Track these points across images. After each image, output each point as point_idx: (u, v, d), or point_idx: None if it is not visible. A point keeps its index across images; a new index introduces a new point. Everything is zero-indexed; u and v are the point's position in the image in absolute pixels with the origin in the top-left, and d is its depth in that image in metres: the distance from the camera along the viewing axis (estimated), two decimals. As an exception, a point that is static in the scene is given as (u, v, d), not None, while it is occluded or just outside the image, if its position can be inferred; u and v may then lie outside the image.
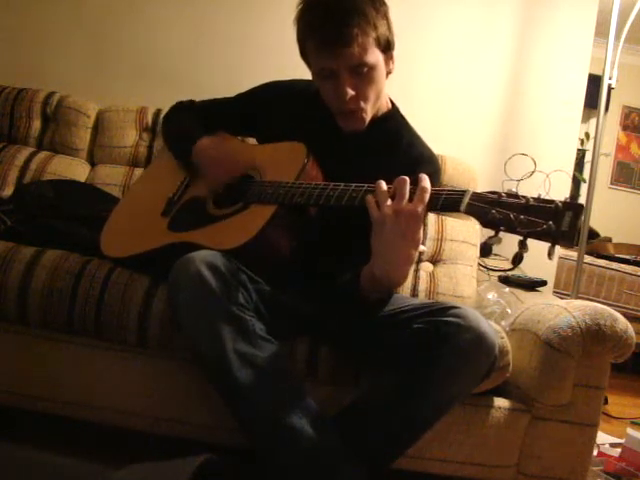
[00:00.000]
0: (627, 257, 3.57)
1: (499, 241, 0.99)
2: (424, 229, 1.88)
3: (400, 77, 1.44)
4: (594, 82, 2.39)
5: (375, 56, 1.27)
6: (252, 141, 1.63)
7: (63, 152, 2.07)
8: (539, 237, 0.95)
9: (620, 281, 3.37)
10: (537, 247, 1.00)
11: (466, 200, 1.02)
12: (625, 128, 5.38)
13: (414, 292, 1.81)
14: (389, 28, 1.30)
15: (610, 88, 2.40)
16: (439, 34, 2.28)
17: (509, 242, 1.02)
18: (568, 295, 2.59)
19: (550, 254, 0.96)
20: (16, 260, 1.37)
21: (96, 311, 1.34)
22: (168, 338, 1.33)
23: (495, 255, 2.11)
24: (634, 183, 5.38)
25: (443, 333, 1.12)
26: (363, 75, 1.27)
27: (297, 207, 1.26)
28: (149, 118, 2.09)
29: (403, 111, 1.47)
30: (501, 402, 1.38)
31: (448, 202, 1.05)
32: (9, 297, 1.35)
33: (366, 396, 1.23)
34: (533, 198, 0.97)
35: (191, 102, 1.62)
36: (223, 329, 1.12)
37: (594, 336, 1.31)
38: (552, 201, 0.95)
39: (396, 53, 1.36)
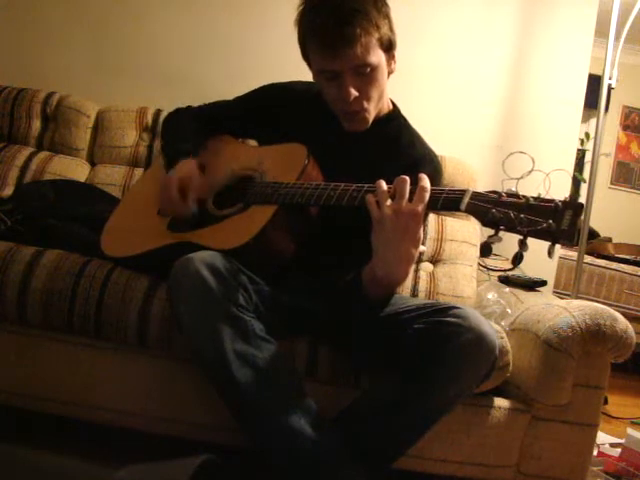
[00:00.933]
0: (627, 257, 3.57)
1: (499, 240, 0.99)
2: (424, 229, 1.88)
3: (400, 77, 1.44)
4: (594, 82, 2.39)
5: (378, 56, 1.27)
6: (253, 143, 1.63)
7: (63, 152, 2.07)
8: (539, 236, 0.95)
9: (620, 281, 3.37)
10: (537, 247, 1.00)
11: (466, 199, 1.02)
12: (625, 128, 5.38)
13: (414, 292, 1.81)
14: (391, 28, 1.30)
15: (610, 88, 2.40)
16: (439, 34, 2.28)
17: (509, 242, 1.03)
18: (568, 295, 2.59)
19: (550, 253, 0.96)
20: (16, 260, 1.37)
21: (96, 311, 1.34)
22: (168, 338, 1.34)
23: (495, 255, 2.11)
24: (634, 183, 5.38)
25: (443, 333, 1.12)
26: (366, 75, 1.27)
27: (297, 207, 1.26)
28: (149, 118, 2.09)
29: (403, 111, 1.47)
30: (501, 402, 1.38)
31: (448, 201, 1.05)
32: (9, 297, 1.35)
33: (366, 396, 1.23)
34: (533, 197, 0.97)
35: (188, 108, 1.62)
36: (222, 329, 1.12)
37: (594, 336, 1.31)
38: (552, 200, 0.96)
39: (396, 53, 1.36)
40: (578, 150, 3.09)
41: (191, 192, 1.35)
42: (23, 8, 2.25)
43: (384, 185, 1.11)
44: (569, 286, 2.67)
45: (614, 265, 3.45)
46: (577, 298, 2.39)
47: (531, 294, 1.74)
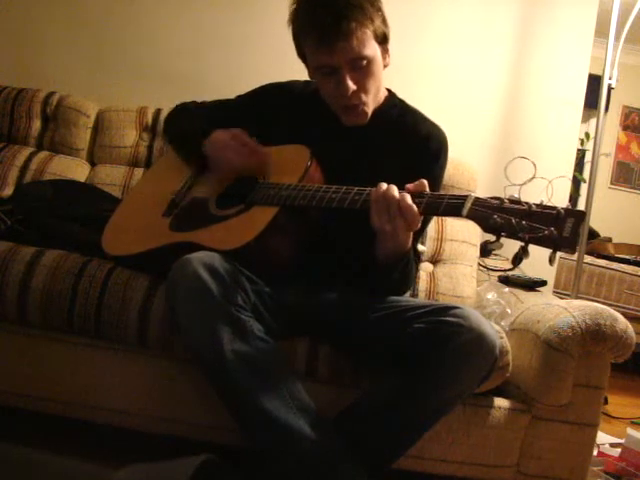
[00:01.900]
0: (627, 257, 3.57)
1: (500, 246, 1.00)
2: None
3: (400, 77, 1.44)
4: (594, 82, 2.39)
5: (373, 49, 1.28)
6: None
7: (63, 152, 2.07)
8: (541, 243, 0.95)
9: (620, 281, 3.37)
10: (537, 247, 1.00)
11: (468, 205, 1.02)
12: (625, 128, 5.37)
13: (414, 292, 1.81)
14: (384, 21, 1.31)
15: (610, 88, 2.40)
16: (439, 34, 2.28)
17: (509, 243, 1.03)
18: (568, 295, 2.59)
19: (551, 260, 0.96)
20: (16, 260, 1.37)
21: (96, 311, 1.34)
22: (168, 338, 1.33)
23: (495, 255, 2.11)
24: (634, 183, 5.38)
25: (444, 333, 1.12)
26: (363, 69, 1.28)
27: (299, 209, 1.26)
28: (149, 118, 2.09)
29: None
30: (501, 402, 1.38)
31: (450, 207, 1.06)
32: (9, 297, 1.35)
33: (366, 396, 1.23)
34: (535, 204, 0.98)
35: (193, 103, 1.62)
36: (221, 330, 1.12)
37: (594, 336, 1.31)
38: (554, 207, 0.96)
39: (395, 54, 1.37)
40: (578, 150, 3.09)
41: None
42: (23, 8, 2.25)
43: (383, 187, 1.12)
44: (569, 286, 2.66)
45: (614, 265, 3.45)
46: (577, 298, 2.39)
47: (531, 294, 1.74)
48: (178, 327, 1.19)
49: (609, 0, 2.29)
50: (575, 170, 3.45)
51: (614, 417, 2.38)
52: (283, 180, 1.29)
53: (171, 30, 2.26)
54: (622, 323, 1.32)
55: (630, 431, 1.82)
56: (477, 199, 1.03)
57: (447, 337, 1.12)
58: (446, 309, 1.16)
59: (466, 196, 1.04)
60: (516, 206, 0.98)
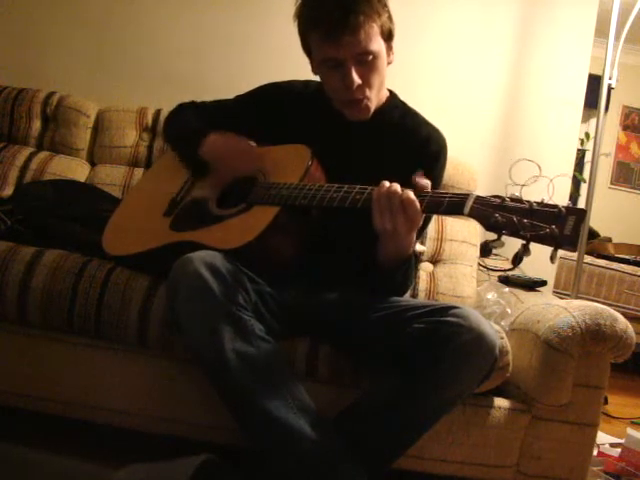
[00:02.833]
0: (627, 257, 3.57)
1: (501, 245, 1.00)
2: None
3: (400, 76, 1.44)
4: (594, 82, 2.39)
5: (379, 44, 1.29)
6: (252, 143, 1.62)
7: (63, 152, 2.07)
8: (542, 241, 0.95)
9: (620, 281, 3.37)
10: (537, 247, 1.00)
11: (470, 204, 1.02)
12: (625, 128, 5.37)
13: (414, 292, 1.81)
14: (390, 18, 1.32)
15: (610, 88, 2.40)
16: (439, 34, 2.28)
17: (510, 242, 1.03)
18: (568, 295, 2.59)
19: (553, 258, 0.97)
20: (16, 260, 1.37)
21: (96, 311, 1.34)
22: (168, 338, 1.33)
23: (495, 255, 2.11)
24: (634, 183, 5.37)
25: (444, 333, 1.12)
26: (368, 64, 1.28)
27: (300, 209, 1.26)
28: (149, 118, 2.09)
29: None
30: (501, 402, 1.38)
31: (451, 206, 1.06)
32: (9, 297, 1.35)
33: (366, 396, 1.23)
34: (536, 202, 0.98)
35: (193, 103, 1.62)
36: (222, 329, 1.12)
37: (594, 336, 1.31)
38: (555, 206, 0.96)
39: (396, 54, 1.37)
40: (578, 150, 3.09)
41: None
42: (23, 8, 2.25)
43: (386, 184, 1.12)
44: (569, 286, 2.66)
45: (614, 265, 3.45)
46: (577, 298, 2.39)
47: (531, 294, 1.74)
48: (178, 326, 1.19)
49: (609, 0, 2.29)
50: (575, 170, 3.45)
51: (614, 417, 2.38)
52: (284, 179, 1.29)
53: (171, 30, 2.26)
54: (622, 323, 1.32)
55: (630, 431, 1.82)
56: (478, 197, 1.03)
57: (447, 337, 1.12)
58: (446, 309, 1.16)
59: (468, 194, 1.05)
60: (517, 204, 0.99)
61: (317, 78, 1.42)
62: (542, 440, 1.38)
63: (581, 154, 4.45)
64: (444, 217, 1.95)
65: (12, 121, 2.06)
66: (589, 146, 4.20)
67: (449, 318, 1.13)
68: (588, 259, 3.32)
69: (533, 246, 0.98)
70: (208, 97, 1.63)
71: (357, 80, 1.28)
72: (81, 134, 2.08)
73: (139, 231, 1.44)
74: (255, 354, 1.14)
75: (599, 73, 2.39)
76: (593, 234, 3.66)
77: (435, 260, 1.93)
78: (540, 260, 1.10)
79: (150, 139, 2.08)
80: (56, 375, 1.38)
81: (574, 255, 2.69)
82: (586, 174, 3.85)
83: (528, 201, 0.98)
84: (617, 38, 2.35)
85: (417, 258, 1.41)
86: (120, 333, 1.35)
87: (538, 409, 1.37)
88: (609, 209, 4.74)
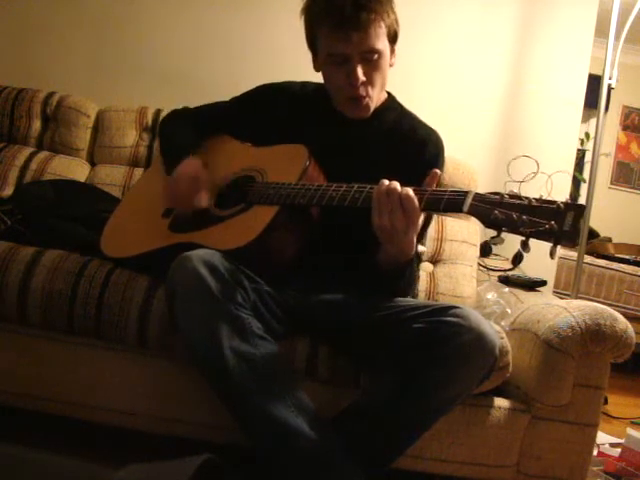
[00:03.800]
0: (627, 257, 3.57)
1: (501, 241, 1.00)
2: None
3: (400, 76, 1.44)
4: (594, 82, 2.39)
5: (384, 44, 1.30)
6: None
7: (63, 152, 2.07)
8: (541, 237, 0.95)
9: (620, 281, 3.37)
10: (537, 247, 1.00)
11: (469, 201, 1.02)
12: (625, 128, 5.37)
13: (414, 292, 1.81)
14: (396, 20, 1.34)
15: (610, 88, 2.40)
16: (439, 34, 2.28)
17: (509, 242, 1.03)
18: (568, 295, 2.59)
19: (552, 254, 0.97)
20: (16, 260, 1.37)
21: (96, 311, 1.34)
22: (168, 338, 1.33)
23: (495, 255, 2.11)
24: (634, 183, 5.38)
25: (443, 333, 1.12)
26: (373, 62, 1.30)
27: (299, 208, 1.26)
28: (149, 118, 2.09)
29: (403, 111, 1.47)
30: (501, 402, 1.38)
31: (451, 203, 1.05)
32: (9, 297, 1.35)
33: (366, 396, 1.23)
34: (535, 199, 0.98)
35: (186, 110, 1.61)
36: (220, 328, 1.12)
37: (594, 336, 1.31)
38: (554, 202, 0.96)
39: (397, 53, 1.37)
40: (578, 150, 3.09)
41: (203, 186, 1.35)
42: (23, 8, 2.25)
43: (385, 183, 1.12)
44: (569, 286, 2.66)
45: (614, 265, 3.45)
46: (577, 298, 2.39)
47: (531, 294, 1.74)
48: (177, 325, 1.19)
49: (609, 0, 2.29)
50: (575, 170, 3.45)
51: (614, 417, 2.38)
52: (282, 179, 1.29)
53: (171, 30, 2.26)
54: (622, 323, 1.32)
55: (630, 431, 1.82)
56: (477, 194, 1.03)
57: (447, 337, 1.11)
58: (446, 309, 1.16)
59: (467, 192, 1.04)
60: (516, 201, 0.99)
61: (316, 79, 1.43)
62: (542, 440, 1.38)
63: (581, 154, 4.46)
64: (444, 217, 1.95)
65: (12, 121, 2.06)
66: (589, 146, 4.20)
67: (449, 318, 1.13)
68: (588, 259, 3.32)
69: (533, 244, 0.98)
70: (208, 97, 1.62)
71: (362, 77, 1.29)
72: (81, 134, 2.08)
73: (138, 233, 1.44)
74: (254, 353, 1.14)
75: (599, 73, 2.39)
76: (593, 234, 3.66)
77: (435, 260, 1.93)
78: (540, 260, 1.10)
79: (150, 139, 2.08)
80: (56, 375, 1.38)
81: (574, 255, 2.70)
82: (586, 174, 3.85)
83: (527, 197, 0.98)
84: (617, 38, 2.36)
85: (419, 258, 1.41)
86: (120, 333, 1.35)
87: (538, 409, 1.37)
88: (609, 209, 4.74)
